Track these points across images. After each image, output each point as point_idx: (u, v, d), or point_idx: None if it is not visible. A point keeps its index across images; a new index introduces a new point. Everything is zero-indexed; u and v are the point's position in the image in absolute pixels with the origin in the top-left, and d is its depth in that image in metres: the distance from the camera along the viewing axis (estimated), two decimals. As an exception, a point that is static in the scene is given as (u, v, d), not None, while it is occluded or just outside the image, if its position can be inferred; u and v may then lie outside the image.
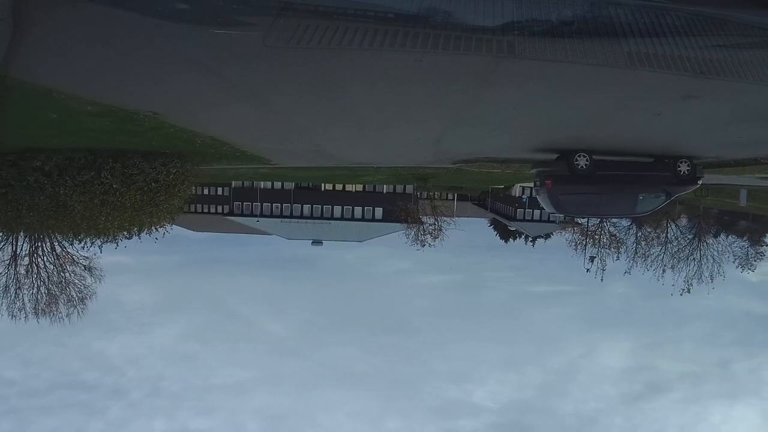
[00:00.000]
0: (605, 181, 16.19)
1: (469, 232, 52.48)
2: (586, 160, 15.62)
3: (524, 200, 55.90)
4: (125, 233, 17.83)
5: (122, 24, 6.58)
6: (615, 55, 7.44)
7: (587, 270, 38.06)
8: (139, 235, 18.25)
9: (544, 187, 16.89)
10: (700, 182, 16.99)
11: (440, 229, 43.42)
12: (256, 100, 9.84)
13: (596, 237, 40.71)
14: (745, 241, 39.65)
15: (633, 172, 16.37)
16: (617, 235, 40.25)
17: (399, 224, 46.72)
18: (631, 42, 7.16)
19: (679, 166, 16.18)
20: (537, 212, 55.92)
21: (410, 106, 10.37)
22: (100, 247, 18.89)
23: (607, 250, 39.53)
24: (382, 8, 7.15)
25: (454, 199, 57.26)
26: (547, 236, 55.97)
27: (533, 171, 18.81)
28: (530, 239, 59.13)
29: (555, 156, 16.40)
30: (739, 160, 18.52)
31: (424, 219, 45.42)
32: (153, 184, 16.56)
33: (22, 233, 20.60)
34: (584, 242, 40.85)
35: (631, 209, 18.70)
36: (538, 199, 19.12)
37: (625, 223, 39.60)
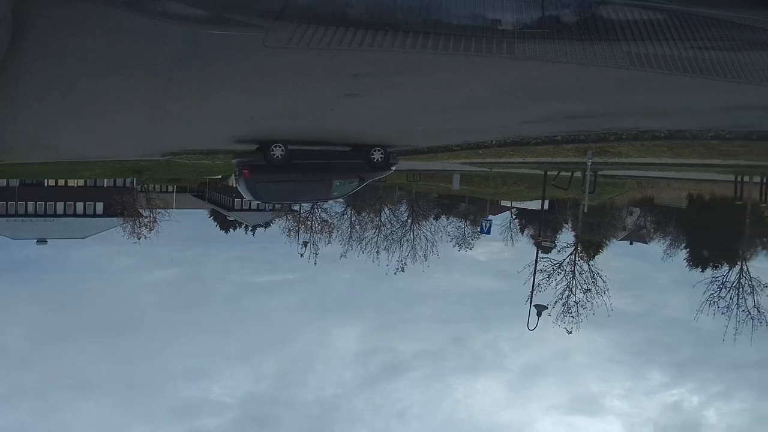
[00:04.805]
0: (300, 170, 17.18)
1: (191, 224, 51.35)
2: (282, 150, 16.41)
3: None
4: None
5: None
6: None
7: (301, 255, 39.30)
8: None
9: (242, 176, 17.61)
10: (393, 168, 18.68)
11: (155, 221, 42.89)
12: None
13: (308, 223, 42.40)
14: (466, 222, 42.31)
15: (328, 160, 17.57)
16: (329, 220, 42.27)
17: (119, 218, 44.52)
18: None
19: (373, 154, 17.46)
20: (255, 202, 55.52)
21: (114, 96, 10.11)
22: None
23: (320, 235, 41.30)
24: None
25: (173, 191, 55.76)
26: (267, 225, 55.28)
27: (234, 161, 19.41)
28: (250, 228, 58.19)
29: (255, 147, 17.08)
30: (432, 148, 20.48)
31: (143, 212, 44.06)
32: None
33: None
34: (297, 228, 42.53)
35: (326, 194, 20.35)
36: (238, 188, 19.76)
37: (339, 208, 41.73)
